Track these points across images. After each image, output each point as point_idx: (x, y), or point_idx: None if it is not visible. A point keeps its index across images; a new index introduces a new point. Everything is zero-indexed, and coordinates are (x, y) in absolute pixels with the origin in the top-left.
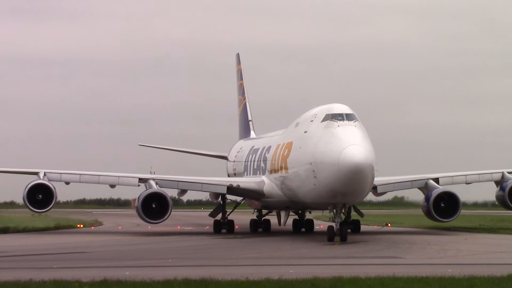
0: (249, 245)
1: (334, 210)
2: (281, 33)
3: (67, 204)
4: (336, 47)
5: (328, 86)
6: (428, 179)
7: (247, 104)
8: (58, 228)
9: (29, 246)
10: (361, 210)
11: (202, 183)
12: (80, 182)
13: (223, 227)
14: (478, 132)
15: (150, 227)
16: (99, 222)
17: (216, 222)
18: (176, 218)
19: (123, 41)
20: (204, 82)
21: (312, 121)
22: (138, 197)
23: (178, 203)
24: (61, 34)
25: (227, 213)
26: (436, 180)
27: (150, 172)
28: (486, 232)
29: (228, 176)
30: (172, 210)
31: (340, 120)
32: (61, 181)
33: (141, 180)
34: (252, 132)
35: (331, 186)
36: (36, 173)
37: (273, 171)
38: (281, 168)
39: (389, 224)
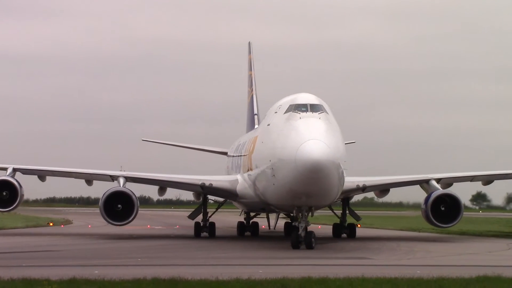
0: (220, 245)
1: (300, 214)
2: (261, 34)
3: (36, 203)
4: (310, 47)
5: (304, 85)
6: (430, 179)
7: (254, 96)
8: (27, 226)
9: None
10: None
11: (174, 181)
12: (54, 176)
13: (204, 230)
14: (448, 134)
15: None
16: (69, 221)
17: (196, 224)
18: (146, 218)
19: (115, 39)
20: (195, 81)
21: (276, 112)
22: (102, 197)
23: (148, 202)
24: (57, 31)
25: (209, 214)
26: (441, 181)
27: (120, 170)
28: (457, 233)
29: (227, 174)
30: (143, 209)
31: (303, 111)
32: (34, 174)
33: (111, 177)
34: (256, 126)
35: (290, 186)
36: (5, 169)
37: (244, 169)
38: (249, 165)
39: (358, 225)
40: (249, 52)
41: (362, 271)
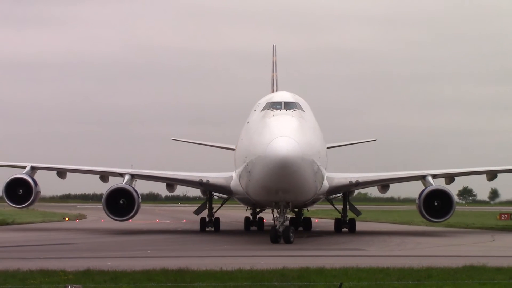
0: (224, 239)
1: (278, 209)
2: (259, 40)
3: (53, 199)
4: (307, 52)
5: (301, 89)
6: (426, 175)
7: None
8: (44, 221)
9: (16, 238)
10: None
11: (175, 178)
12: (68, 172)
13: (209, 226)
14: (438, 133)
15: (130, 220)
16: (83, 216)
17: (202, 220)
18: (155, 212)
19: (122, 46)
20: (197, 85)
21: (255, 110)
22: (104, 193)
23: (157, 198)
24: (69, 40)
25: (214, 210)
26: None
27: (131, 167)
28: (445, 226)
29: None
30: (152, 204)
31: (278, 109)
32: (51, 171)
33: (120, 174)
34: None
35: (263, 182)
36: (24, 167)
37: (234, 165)
38: (234, 162)
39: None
40: (273, 54)
41: (357, 262)
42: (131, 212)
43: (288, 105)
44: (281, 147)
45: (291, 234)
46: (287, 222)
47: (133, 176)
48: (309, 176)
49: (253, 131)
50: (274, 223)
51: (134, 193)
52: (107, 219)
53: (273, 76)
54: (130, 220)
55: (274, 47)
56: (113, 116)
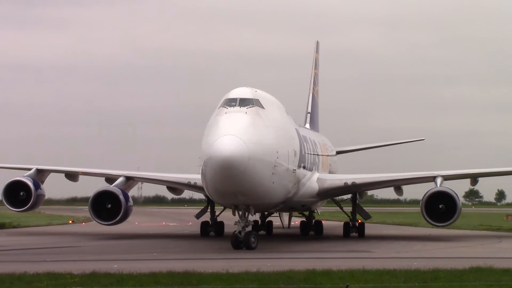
0: (228, 241)
1: (239, 213)
2: (262, 42)
3: (59, 202)
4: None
5: (303, 90)
6: (437, 176)
7: (310, 95)
8: (51, 224)
9: (23, 241)
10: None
11: (164, 180)
12: (70, 174)
13: (210, 229)
14: (439, 136)
15: (137, 223)
16: (89, 219)
17: (203, 224)
18: (161, 215)
19: (123, 47)
20: (197, 86)
21: (216, 107)
22: (91, 197)
23: (163, 201)
24: (74, 42)
25: (217, 213)
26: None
27: (137, 170)
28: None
29: None
30: (158, 207)
31: (232, 106)
32: (59, 173)
33: (115, 176)
34: (307, 125)
35: (213, 184)
36: (29, 169)
37: None
38: None
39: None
40: (316, 51)
41: (363, 264)
42: (117, 216)
43: (244, 102)
44: (224, 147)
45: (252, 239)
46: (248, 228)
47: (129, 179)
48: (263, 178)
49: (207, 130)
50: (236, 228)
51: (121, 196)
52: None
53: (313, 73)
54: (136, 223)
55: (317, 43)
56: (115, 117)
